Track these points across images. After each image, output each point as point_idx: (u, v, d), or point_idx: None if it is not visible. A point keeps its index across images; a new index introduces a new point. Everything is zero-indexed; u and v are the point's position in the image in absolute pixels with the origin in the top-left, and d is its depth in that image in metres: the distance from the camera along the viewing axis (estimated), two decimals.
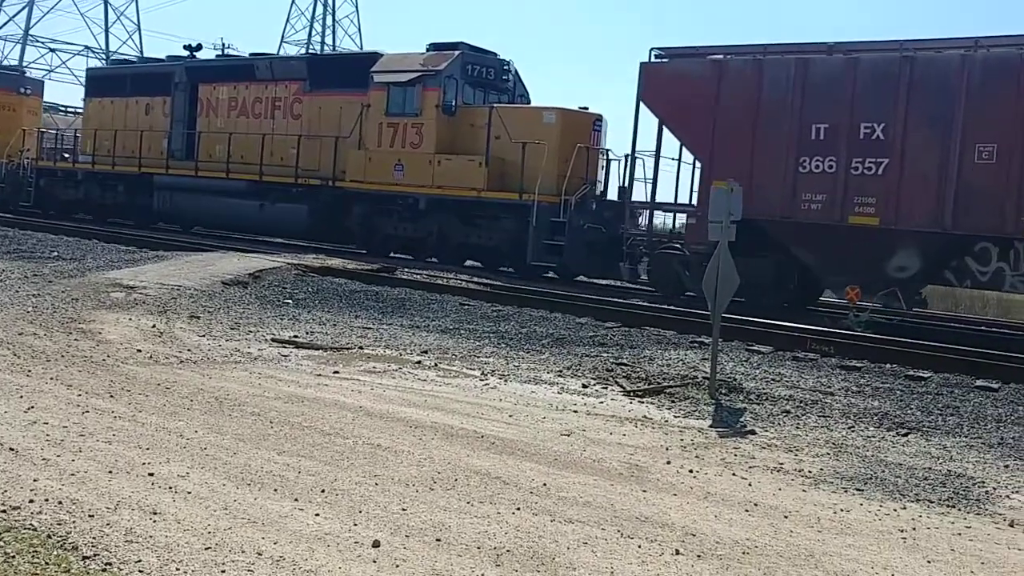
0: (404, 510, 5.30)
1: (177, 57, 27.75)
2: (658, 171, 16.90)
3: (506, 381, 9.33)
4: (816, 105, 14.82)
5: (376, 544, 4.75)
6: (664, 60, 16.91)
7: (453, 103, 20.16)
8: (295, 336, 11.05)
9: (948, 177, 13.73)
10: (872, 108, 14.34)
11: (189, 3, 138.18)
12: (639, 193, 17.91)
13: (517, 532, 5.07)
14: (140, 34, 74.26)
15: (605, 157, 19.68)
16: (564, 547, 4.90)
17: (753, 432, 7.78)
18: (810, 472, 6.64)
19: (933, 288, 16.23)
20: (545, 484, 5.98)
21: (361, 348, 10.67)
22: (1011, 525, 5.72)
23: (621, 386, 9.29)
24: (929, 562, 5.01)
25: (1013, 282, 13.63)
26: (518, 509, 5.45)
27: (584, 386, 9.27)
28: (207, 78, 25.62)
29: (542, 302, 14.45)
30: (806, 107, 14.88)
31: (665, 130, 16.82)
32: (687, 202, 17.15)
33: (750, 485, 6.25)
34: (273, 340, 10.72)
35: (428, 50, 20.94)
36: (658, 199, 17.71)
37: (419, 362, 10.06)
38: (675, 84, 16.45)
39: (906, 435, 7.96)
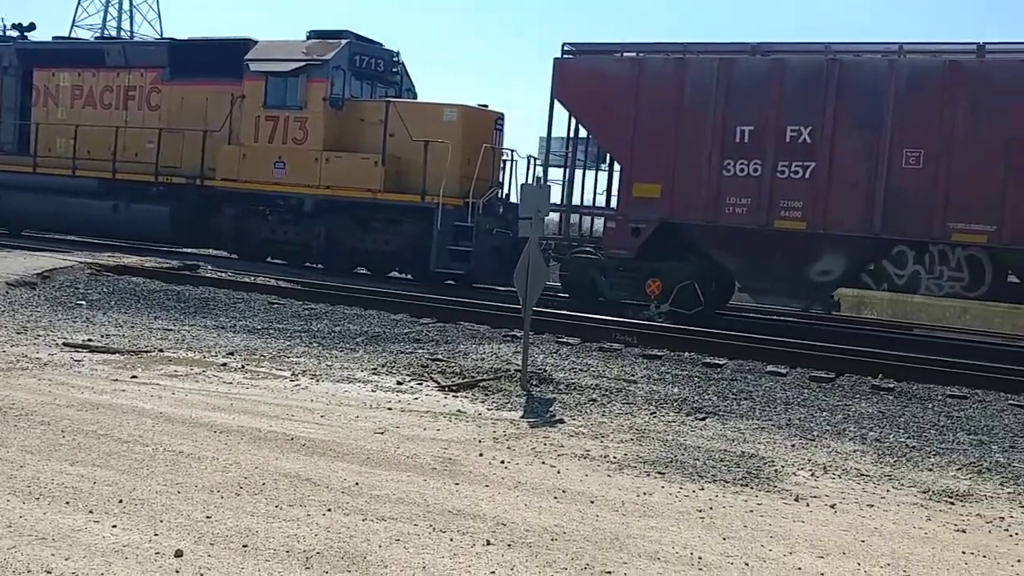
0: (209, 517, 5.11)
1: (3, 37, 24.40)
2: (574, 172, 16.08)
3: (318, 381, 9.17)
4: (741, 107, 14.42)
5: (179, 554, 4.56)
6: (576, 56, 16.03)
7: (341, 96, 18.77)
8: (89, 340, 10.44)
9: (877, 181, 13.60)
10: (799, 111, 14.08)
11: None
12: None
13: (327, 533, 5.00)
14: None
15: (511, 158, 18.81)
16: (376, 545, 4.87)
17: (562, 421, 7.99)
18: (615, 458, 6.88)
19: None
20: (357, 483, 5.92)
21: (162, 351, 10.21)
22: (796, 500, 6.14)
23: (436, 381, 9.32)
24: (725, 539, 5.30)
25: (928, 285, 13.68)
26: (329, 510, 5.37)
27: (399, 383, 9.24)
28: (44, 62, 22.82)
29: (356, 299, 14.28)
30: (730, 109, 14.43)
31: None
32: (604, 204, 16.55)
33: (559, 473, 6.42)
34: (65, 344, 10.08)
35: (309, 37, 19.47)
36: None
37: (225, 364, 9.72)
38: (592, 82, 15.66)
39: (704, 419, 8.39)
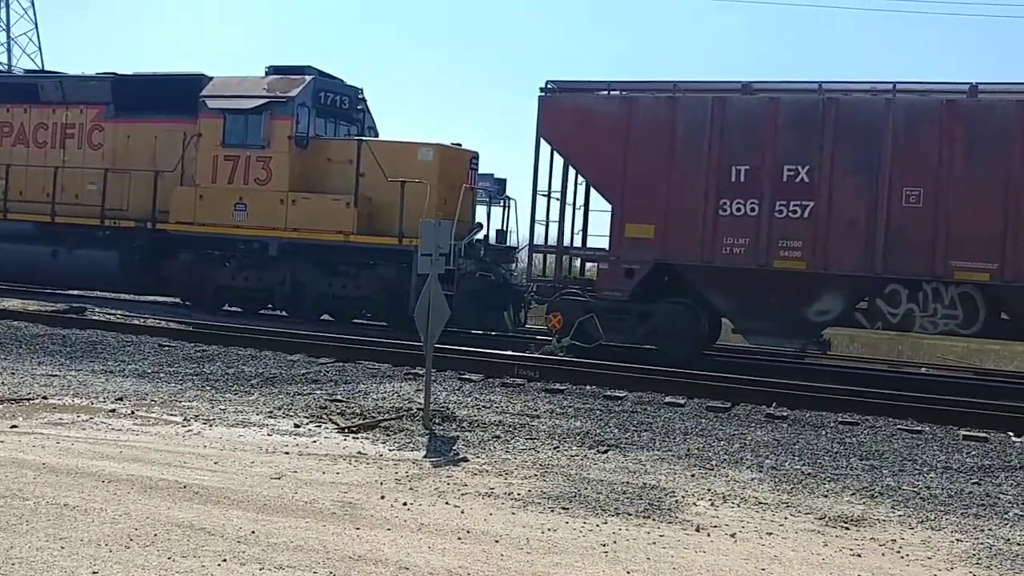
0: (95, 573, 4.86)
1: None
2: (564, 211, 15.43)
3: (211, 426, 8.88)
4: (736, 146, 14.12)
5: None
6: (560, 93, 15.53)
7: (306, 134, 17.81)
8: None
9: (878, 220, 13.46)
10: (796, 150, 13.87)
11: None
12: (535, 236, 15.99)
13: None
14: None
15: (504, 199, 18.08)
16: None
17: (465, 459, 7.91)
18: (519, 495, 6.84)
19: None
20: (254, 531, 5.72)
21: (45, 398, 9.75)
22: (697, 530, 6.20)
23: (335, 423, 9.13)
24: (628, 572, 5.30)
25: (922, 323, 13.57)
26: (224, 560, 5.18)
27: (296, 426, 9.02)
28: None
29: (251, 340, 13.95)
30: (725, 148, 14.13)
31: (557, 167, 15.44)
32: (581, 244, 16.07)
33: (463, 512, 6.33)
34: None
35: (268, 73, 18.51)
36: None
37: (113, 410, 9.33)
38: (578, 120, 15.14)
39: (606, 452, 8.43)
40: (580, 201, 16.04)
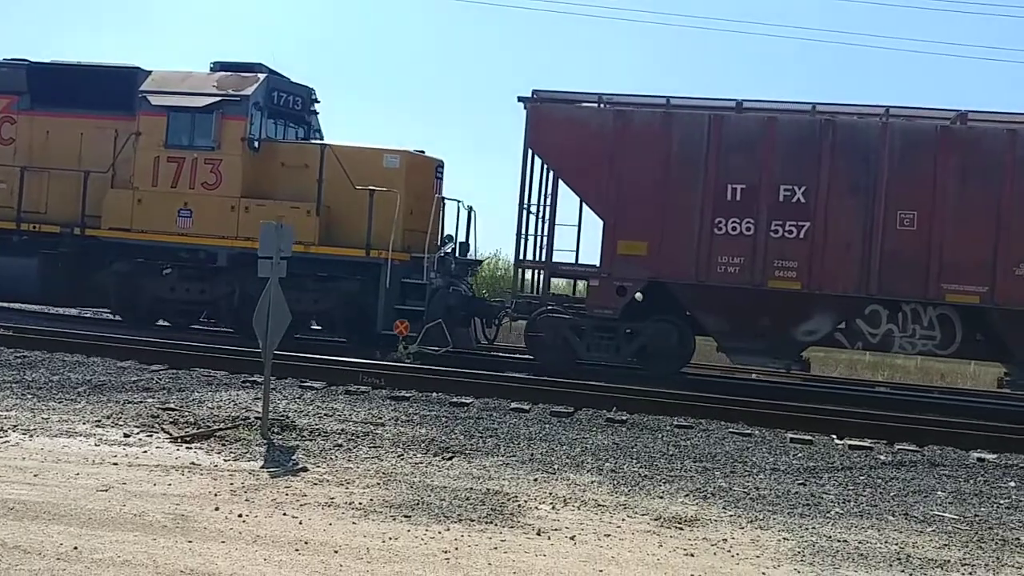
0: None
1: None
2: (553, 227, 14.84)
3: (31, 436, 8.35)
4: (732, 164, 14.04)
5: None
6: (548, 104, 15.03)
7: (258, 136, 16.55)
8: None
9: (873, 242, 13.64)
10: (792, 170, 13.91)
11: None
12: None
13: None
14: None
15: (464, 210, 17.20)
16: None
17: (305, 469, 7.72)
18: (360, 504, 6.73)
19: None
20: (76, 547, 5.41)
21: None
22: (538, 533, 6.26)
23: (168, 432, 8.75)
24: None
25: (901, 343, 13.89)
26: None
27: (126, 435, 8.59)
28: None
29: (78, 345, 13.22)
30: (722, 166, 14.04)
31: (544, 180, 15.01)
32: (588, 262, 15.23)
33: (301, 523, 6.18)
34: None
35: (214, 69, 17.06)
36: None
37: None
38: (569, 132, 14.72)
39: (451, 459, 8.41)
40: (563, 216, 15.24)
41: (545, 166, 15.20)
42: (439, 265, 16.01)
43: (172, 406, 9.94)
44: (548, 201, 15.07)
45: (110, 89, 16.97)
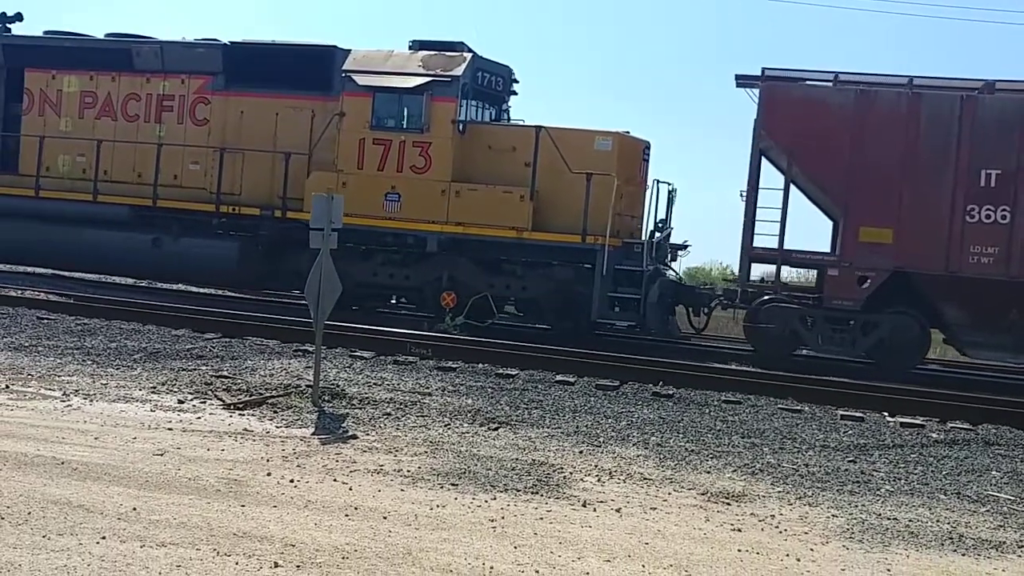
0: None
1: None
2: (786, 213, 14.09)
3: (92, 401, 8.59)
4: (986, 148, 13.25)
5: None
6: (783, 84, 14.40)
7: (466, 118, 15.91)
8: None
9: None
10: None
11: None
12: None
13: (102, 563, 4.67)
14: None
15: (669, 192, 16.29)
16: (155, 572, 4.60)
17: (355, 437, 7.85)
18: (408, 471, 6.83)
19: None
20: (135, 508, 5.57)
21: None
22: (584, 505, 6.31)
23: (221, 399, 8.94)
24: (516, 547, 5.36)
25: None
26: (103, 538, 5.03)
27: (180, 402, 8.80)
28: (41, 62, 18.25)
29: (134, 313, 13.50)
30: (974, 150, 13.26)
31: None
32: (822, 249, 14.70)
33: (351, 489, 6.29)
34: None
35: (413, 48, 16.35)
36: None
37: None
38: (807, 113, 14.04)
39: (496, 429, 8.49)
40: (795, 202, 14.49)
41: (768, 150, 14.39)
42: (658, 252, 15.50)
43: (225, 374, 10.14)
44: (781, 186, 14.27)
45: (307, 68, 16.57)
